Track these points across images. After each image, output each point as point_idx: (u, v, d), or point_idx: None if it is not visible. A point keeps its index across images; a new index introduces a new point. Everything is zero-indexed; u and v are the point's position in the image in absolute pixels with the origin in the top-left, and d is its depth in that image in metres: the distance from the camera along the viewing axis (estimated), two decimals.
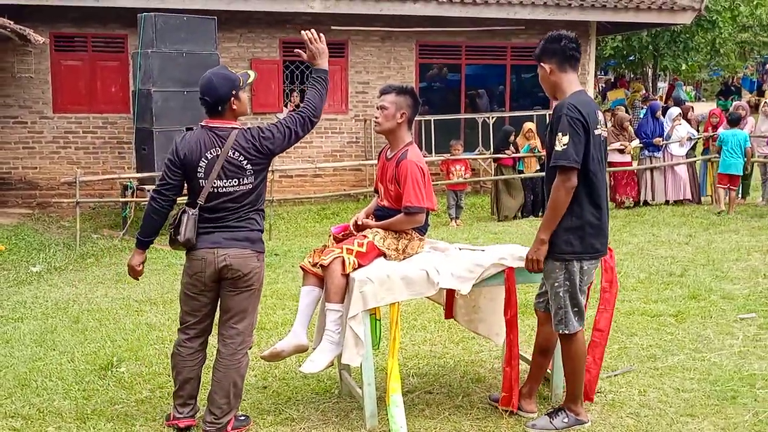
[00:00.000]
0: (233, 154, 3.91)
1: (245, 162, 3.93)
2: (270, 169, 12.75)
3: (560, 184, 3.85)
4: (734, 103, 15.01)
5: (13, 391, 4.85)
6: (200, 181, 3.95)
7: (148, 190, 11.64)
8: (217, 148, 3.92)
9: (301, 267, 4.44)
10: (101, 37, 13.93)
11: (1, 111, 13.65)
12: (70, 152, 13.80)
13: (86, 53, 13.93)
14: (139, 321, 6.53)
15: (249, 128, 4.00)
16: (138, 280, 4.31)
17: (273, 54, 14.63)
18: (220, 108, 3.95)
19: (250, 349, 4.22)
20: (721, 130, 12.58)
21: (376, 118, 4.46)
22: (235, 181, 3.93)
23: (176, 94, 11.79)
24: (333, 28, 14.58)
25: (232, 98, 3.94)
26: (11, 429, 4.28)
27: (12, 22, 11.76)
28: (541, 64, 4.03)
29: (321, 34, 4.14)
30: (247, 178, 3.95)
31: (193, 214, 3.95)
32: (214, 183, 3.92)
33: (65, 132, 13.84)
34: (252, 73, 4.13)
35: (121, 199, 12.20)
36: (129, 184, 12.06)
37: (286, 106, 14.84)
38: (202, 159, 3.93)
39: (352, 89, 15.02)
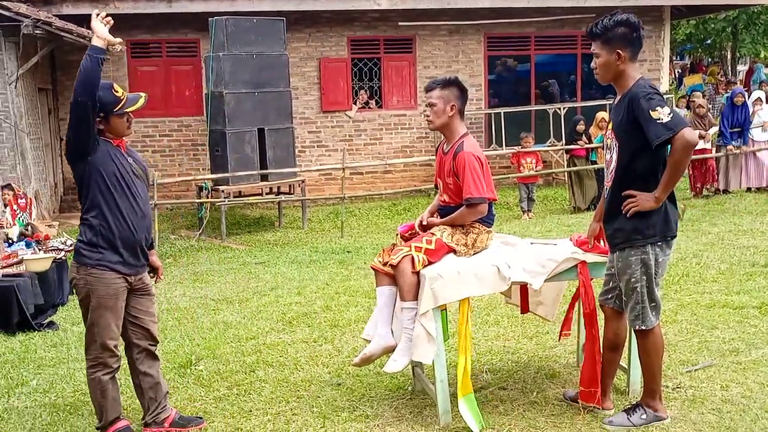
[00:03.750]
0: None
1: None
2: (341, 166, 12.53)
3: (682, 146, 3.69)
4: None
5: None
6: None
7: (223, 191, 11.90)
8: None
9: (372, 267, 4.46)
10: (174, 43, 14.30)
11: None
12: (148, 155, 14.20)
13: (161, 59, 14.32)
14: (216, 320, 6.67)
15: None
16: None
17: (341, 52, 14.73)
18: None
19: (100, 367, 3.98)
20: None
21: (427, 116, 4.44)
22: None
23: (248, 95, 12.02)
24: (400, 24, 14.61)
25: (97, 118, 3.89)
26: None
27: (90, 31, 12.17)
28: (617, 50, 3.85)
29: (103, 15, 3.94)
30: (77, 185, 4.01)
31: None
32: None
33: (142, 136, 14.26)
34: (142, 99, 4.04)
35: (197, 200, 12.51)
36: (204, 185, 12.36)
37: (355, 103, 14.94)
38: None
39: (420, 84, 15.00)
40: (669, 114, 3.69)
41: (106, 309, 3.94)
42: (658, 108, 3.70)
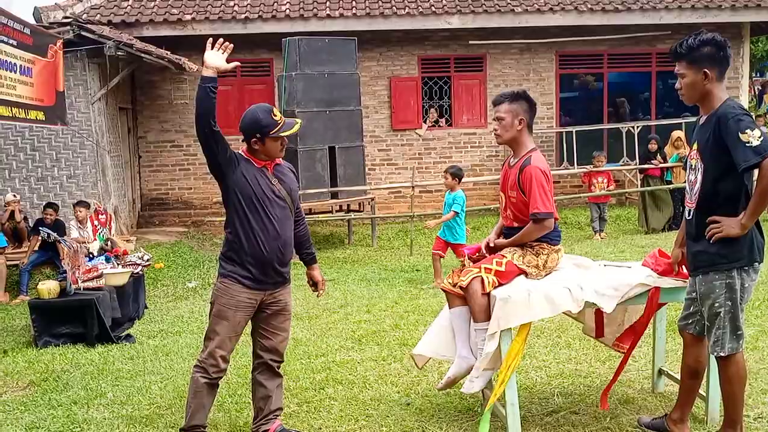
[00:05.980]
0: None
1: None
2: (410, 184, 12.45)
3: None
4: None
5: (172, 402, 5.14)
6: None
7: None
8: None
9: (442, 289, 4.45)
10: (249, 62, 14.59)
11: (159, 136, 14.59)
12: None
13: (235, 78, 14.63)
14: None
15: None
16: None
17: (412, 71, 14.81)
18: (246, 139, 4.11)
19: (201, 370, 4.15)
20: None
21: (496, 130, 4.40)
22: None
23: (319, 114, 12.19)
24: (471, 42, 14.61)
25: (254, 139, 4.07)
26: None
27: (169, 53, 12.57)
28: (705, 70, 3.75)
29: (220, 42, 4.01)
30: None
31: None
32: None
33: None
34: (297, 125, 4.18)
35: None
36: None
37: (425, 121, 14.98)
38: None
39: (490, 103, 14.93)
40: (759, 137, 3.57)
41: (223, 318, 4.12)
42: (748, 131, 3.59)
